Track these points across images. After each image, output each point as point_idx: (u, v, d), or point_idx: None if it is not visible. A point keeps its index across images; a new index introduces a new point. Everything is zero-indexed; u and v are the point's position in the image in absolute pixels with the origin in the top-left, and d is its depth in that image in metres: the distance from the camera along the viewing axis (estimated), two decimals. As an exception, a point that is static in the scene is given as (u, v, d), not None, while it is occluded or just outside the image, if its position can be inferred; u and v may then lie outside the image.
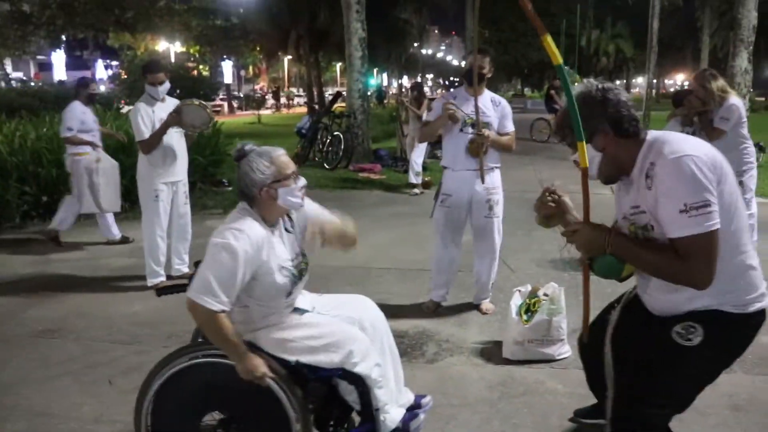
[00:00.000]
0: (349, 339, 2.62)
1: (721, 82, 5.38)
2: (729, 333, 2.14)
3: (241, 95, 44.73)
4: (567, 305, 3.87)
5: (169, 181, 5.28)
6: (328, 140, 12.21)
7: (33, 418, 3.37)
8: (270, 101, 42.26)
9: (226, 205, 8.84)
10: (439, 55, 77.52)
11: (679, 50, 45.42)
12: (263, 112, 33.96)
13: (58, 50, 29.02)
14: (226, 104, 40.53)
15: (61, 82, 27.45)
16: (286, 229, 2.69)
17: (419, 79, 36.76)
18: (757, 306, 2.11)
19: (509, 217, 7.83)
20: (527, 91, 61.73)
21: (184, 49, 33.74)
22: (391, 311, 4.75)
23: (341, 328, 2.69)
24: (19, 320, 4.80)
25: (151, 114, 5.14)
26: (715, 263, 1.97)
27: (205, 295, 2.35)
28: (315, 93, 31.69)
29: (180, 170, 5.42)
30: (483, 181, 4.43)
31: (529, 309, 3.79)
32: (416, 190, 9.79)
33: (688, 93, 5.91)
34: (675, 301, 2.14)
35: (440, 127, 4.52)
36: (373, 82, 41.39)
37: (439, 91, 36.89)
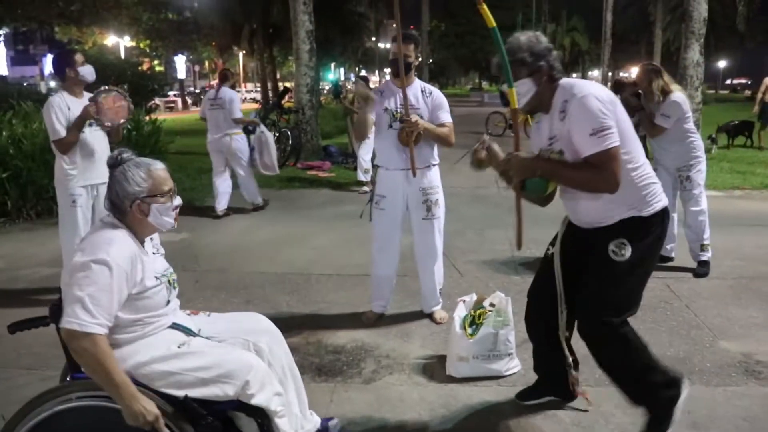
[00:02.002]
0: (243, 367, 2.34)
1: (663, 81, 5.18)
2: (648, 233, 2.66)
3: (197, 91, 43.83)
4: (514, 313, 3.56)
5: (89, 185, 4.79)
6: (276, 137, 11.73)
7: None
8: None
9: (166, 207, 8.35)
10: (397, 49, 77.13)
11: (634, 44, 45.89)
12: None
13: (-2, 44, 27.77)
14: (180, 100, 39.71)
15: (2, 77, 26.30)
16: (157, 254, 2.54)
17: (367, 74, 36.39)
18: (660, 205, 2.68)
19: (460, 215, 7.61)
20: (485, 84, 61.76)
21: (134, 44, 32.84)
22: (329, 323, 4.43)
23: (234, 355, 2.41)
24: None
25: (66, 111, 4.67)
26: (619, 171, 2.51)
27: (79, 318, 2.11)
28: (269, 88, 31.07)
29: (101, 172, 4.89)
30: (414, 175, 4.09)
31: (473, 321, 3.47)
32: (365, 188, 9.39)
33: (630, 86, 5.74)
34: (601, 209, 2.67)
35: (367, 119, 4.16)
36: (331, 77, 40.91)
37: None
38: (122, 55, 27.62)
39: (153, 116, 14.28)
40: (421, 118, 4.05)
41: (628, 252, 2.62)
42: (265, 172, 8.71)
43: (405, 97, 3.99)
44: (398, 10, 4.02)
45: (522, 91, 2.68)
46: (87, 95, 4.81)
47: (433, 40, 39.92)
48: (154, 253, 2.49)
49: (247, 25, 28.45)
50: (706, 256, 5.34)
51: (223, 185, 8.16)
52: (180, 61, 39.37)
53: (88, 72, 4.73)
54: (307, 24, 10.83)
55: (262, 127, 8.58)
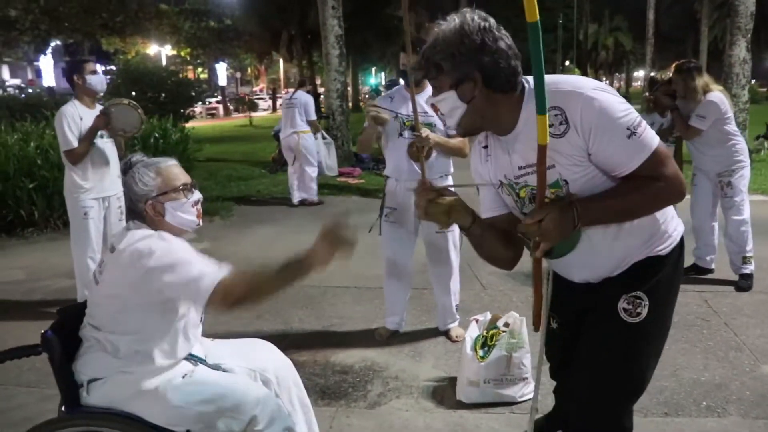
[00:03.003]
0: (251, 401, 2.13)
1: (704, 80, 4.82)
2: (667, 276, 1.97)
3: (238, 97, 44.23)
4: (533, 341, 3.29)
5: (100, 197, 4.68)
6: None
7: None
8: (267, 103, 41.76)
9: (192, 215, 8.27)
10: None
11: (680, 42, 44.75)
12: (259, 114, 33.55)
13: (43, 55, 28.45)
14: (221, 106, 40.12)
15: (49, 88, 26.89)
16: None
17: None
18: (678, 233, 2.00)
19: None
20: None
21: (175, 52, 33.31)
22: (339, 340, 4.21)
23: (241, 387, 2.20)
24: None
25: (78, 121, 4.57)
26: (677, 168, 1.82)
27: (207, 279, 2.05)
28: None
29: (112, 183, 4.78)
30: None
31: (485, 343, 3.22)
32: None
33: (664, 84, 5.38)
34: (621, 251, 1.92)
35: (372, 135, 3.95)
36: (372, 81, 40.85)
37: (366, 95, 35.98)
38: (164, 64, 27.99)
39: (188, 124, 14.42)
40: (435, 127, 3.81)
41: (645, 310, 1.92)
42: (327, 173, 9.89)
43: (415, 111, 3.74)
44: (407, 15, 3.77)
45: (445, 108, 1.84)
46: (99, 107, 4.71)
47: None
48: None
49: (285, 32, 28.58)
50: (748, 269, 4.96)
51: (292, 178, 9.10)
52: (221, 68, 39.76)
53: (96, 81, 4.62)
54: (336, 29, 10.68)
55: (324, 133, 9.79)
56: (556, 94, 1.74)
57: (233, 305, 2.06)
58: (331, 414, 3.23)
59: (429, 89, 3.88)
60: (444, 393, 3.39)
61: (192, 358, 2.29)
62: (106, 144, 4.72)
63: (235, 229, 7.77)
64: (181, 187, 2.22)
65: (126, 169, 2.26)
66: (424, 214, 1.99)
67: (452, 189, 2.05)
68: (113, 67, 23.33)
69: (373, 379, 3.61)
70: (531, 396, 3.20)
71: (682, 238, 2.02)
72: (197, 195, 2.28)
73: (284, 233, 7.44)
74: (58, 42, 28.75)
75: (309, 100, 9.20)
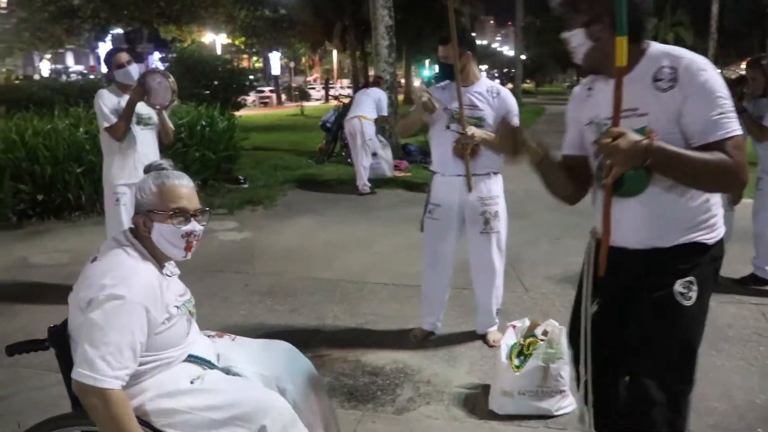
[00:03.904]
0: (262, 409, 2.01)
1: None
2: (711, 268, 2.05)
3: (292, 87, 44.50)
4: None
5: (132, 183, 4.66)
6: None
7: None
8: (319, 93, 41.91)
9: (235, 205, 8.29)
10: (494, 46, 76.16)
11: (744, 39, 43.09)
12: (311, 104, 33.65)
13: (102, 43, 29.00)
14: (274, 96, 40.41)
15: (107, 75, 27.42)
16: (168, 274, 2.18)
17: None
18: (721, 233, 2.06)
19: (536, 222, 7.09)
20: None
21: (230, 41, 33.61)
22: (373, 339, 4.07)
23: (252, 394, 2.07)
24: (-39, 338, 4.30)
25: (114, 101, 4.57)
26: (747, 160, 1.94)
27: (95, 370, 1.82)
28: (361, 85, 31.08)
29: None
30: (470, 189, 3.70)
31: (522, 351, 3.04)
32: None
33: (734, 83, 5.06)
34: (658, 221, 1.99)
35: (417, 121, 3.80)
36: (426, 73, 40.59)
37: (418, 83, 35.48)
38: (219, 52, 28.26)
39: (240, 112, 14.48)
40: (484, 122, 3.65)
41: (695, 295, 1.97)
42: (388, 174, 10.00)
43: (461, 105, 3.59)
44: (452, 6, 3.62)
45: (573, 43, 2.03)
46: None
47: (529, 37, 38.80)
48: (168, 275, 2.16)
49: (339, 22, 28.53)
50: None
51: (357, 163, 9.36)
52: (275, 58, 39.99)
53: (121, 74, 4.59)
54: (386, 19, 10.53)
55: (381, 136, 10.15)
56: (677, 58, 1.94)
57: (84, 405, 1.86)
58: (356, 418, 3.10)
59: (482, 81, 3.75)
60: (476, 402, 3.23)
61: (198, 360, 2.14)
62: (143, 132, 4.70)
63: (277, 219, 7.72)
64: (172, 212, 2.02)
65: (145, 172, 2.17)
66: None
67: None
68: (171, 55, 23.66)
69: (404, 382, 3.47)
70: (568, 410, 3.04)
71: (722, 239, 2.07)
72: (191, 227, 2.05)
73: (326, 224, 7.36)
74: (120, 30, 29.38)
75: (383, 96, 9.80)
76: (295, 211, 8.15)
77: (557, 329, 3.06)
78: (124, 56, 4.60)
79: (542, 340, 3.04)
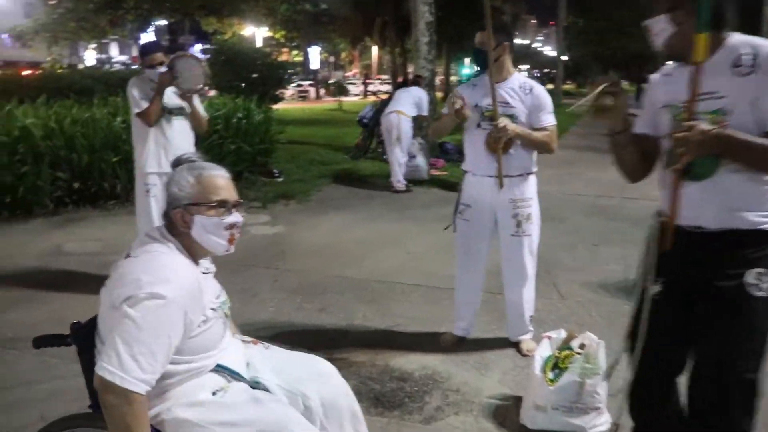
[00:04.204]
0: (281, 429, 1.89)
1: None
2: None
3: (330, 81, 44.54)
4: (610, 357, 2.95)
5: (163, 172, 4.62)
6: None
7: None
8: (358, 88, 41.87)
9: (269, 198, 8.26)
10: (535, 45, 75.41)
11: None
12: (349, 99, 33.62)
13: (144, 34, 29.34)
14: (313, 90, 40.50)
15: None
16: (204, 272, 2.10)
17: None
18: None
19: (573, 227, 6.90)
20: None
21: (270, 34, 33.72)
22: (402, 342, 3.96)
23: (273, 414, 1.93)
24: (-7, 323, 4.32)
25: (147, 88, 4.54)
26: None
27: (123, 368, 1.72)
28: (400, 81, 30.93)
29: (178, 161, 4.75)
30: (501, 186, 3.57)
31: (557, 365, 2.91)
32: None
33: None
34: (732, 199, 2.01)
35: (450, 124, 3.68)
36: (466, 71, 40.26)
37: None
38: (259, 45, 28.36)
39: (278, 106, 14.46)
40: (516, 119, 3.51)
41: (766, 285, 1.97)
42: (425, 177, 9.79)
43: (494, 96, 3.46)
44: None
45: (656, 29, 2.09)
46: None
47: (571, 37, 38.10)
48: (204, 273, 2.07)
49: (379, 17, 28.40)
50: None
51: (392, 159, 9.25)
52: (314, 52, 40.07)
53: (153, 74, 4.55)
54: (426, 15, 10.38)
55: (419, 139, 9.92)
56: (758, 46, 1.99)
57: (101, 401, 1.76)
58: (382, 425, 3.01)
59: (515, 77, 3.61)
60: (507, 414, 3.11)
61: (225, 370, 2.02)
62: (175, 122, 4.67)
63: (310, 214, 7.66)
64: (215, 203, 1.96)
65: (174, 165, 2.08)
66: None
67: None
68: (211, 47, 23.82)
69: (433, 389, 3.36)
70: (603, 428, 2.89)
71: None
72: (234, 218, 1.99)
73: (359, 221, 7.27)
74: (162, 21, 29.72)
75: (424, 95, 9.74)
76: (329, 206, 8.09)
77: (595, 343, 2.92)
78: (159, 57, 4.56)
79: (579, 353, 2.90)
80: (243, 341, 2.24)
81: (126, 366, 1.72)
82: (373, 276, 5.24)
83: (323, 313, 4.47)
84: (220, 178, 2.00)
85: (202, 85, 4.58)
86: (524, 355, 3.72)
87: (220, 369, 2.01)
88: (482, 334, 4.02)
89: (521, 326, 3.83)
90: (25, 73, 14.36)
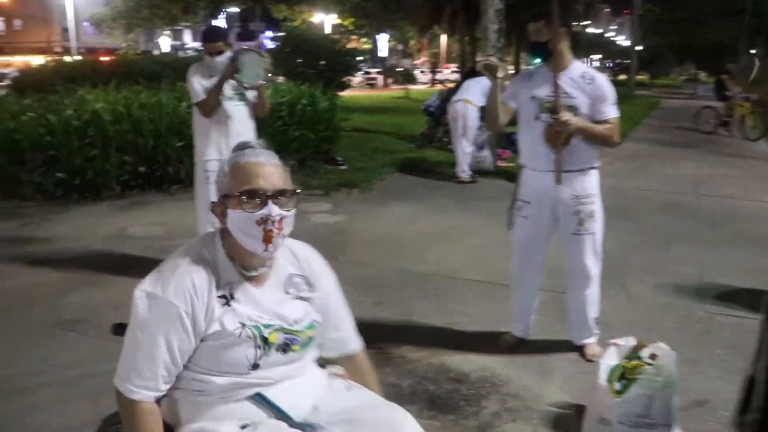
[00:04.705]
0: None
1: None
2: None
3: (395, 68, 44.41)
4: (693, 361, 2.74)
5: (223, 159, 4.58)
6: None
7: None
8: (426, 76, 41.60)
9: (332, 186, 8.21)
10: (608, 35, 73.37)
11: None
12: (417, 87, 33.42)
13: (215, 21, 29.86)
14: (381, 77, 40.44)
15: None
16: (289, 294, 1.81)
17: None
18: None
19: (644, 225, 6.58)
20: (703, 75, 56.29)
21: (339, 21, 33.80)
22: (460, 342, 3.79)
23: None
24: (52, 304, 4.40)
25: (207, 76, 4.51)
26: None
27: (127, 378, 1.64)
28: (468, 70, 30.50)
29: (238, 148, 4.72)
30: (559, 181, 3.36)
31: (624, 375, 2.71)
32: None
33: None
34: None
35: (496, 104, 3.45)
36: (537, 60, 39.53)
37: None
38: (328, 32, 28.43)
39: (345, 93, 14.44)
40: (577, 111, 3.30)
41: None
42: (491, 169, 9.52)
43: (556, 88, 3.26)
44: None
45: None
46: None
47: (645, 26, 36.79)
48: (288, 293, 1.80)
49: (449, 5, 28.01)
50: None
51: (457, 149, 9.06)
52: (383, 40, 39.97)
53: (214, 61, 4.52)
54: (496, 2, 10.08)
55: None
56: None
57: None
58: (435, 430, 2.87)
59: (575, 66, 3.39)
60: (569, 424, 2.93)
61: (264, 402, 1.71)
62: (235, 108, 4.63)
63: (372, 204, 7.56)
64: (239, 194, 1.67)
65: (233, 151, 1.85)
66: None
67: None
68: (281, 33, 23.99)
69: (490, 393, 3.21)
70: (675, 445, 2.68)
71: None
72: (267, 210, 1.66)
73: (422, 212, 7.13)
74: (235, 8, 30.17)
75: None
76: (391, 196, 7.97)
77: (668, 355, 2.70)
78: (219, 45, 4.56)
79: (649, 364, 2.70)
80: (332, 373, 1.93)
81: (126, 376, 1.64)
82: (433, 270, 5.10)
83: (380, 307, 4.36)
84: (256, 165, 1.70)
85: (263, 81, 4.54)
86: (588, 360, 3.51)
87: (260, 400, 1.72)
88: (545, 336, 3.83)
89: (585, 329, 3.63)
90: (102, 59, 14.76)
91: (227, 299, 1.69)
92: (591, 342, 3.63)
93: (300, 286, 1.83)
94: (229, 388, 1.69)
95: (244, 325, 1.68)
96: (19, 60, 33.01)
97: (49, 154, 7.27)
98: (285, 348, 1.73)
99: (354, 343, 2.01)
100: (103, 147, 7.37)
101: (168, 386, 1.68)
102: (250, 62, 4.37)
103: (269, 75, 4.53)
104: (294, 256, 1.87)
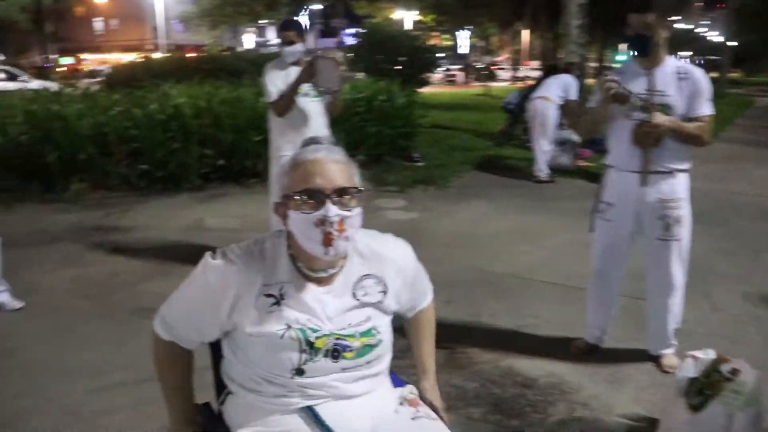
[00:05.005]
0: None
1: None
2: None
3: (472, 65, 44.03)
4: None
5: None
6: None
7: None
8: (507, 73, 41.10)
9: (407, 182, 8.19)
10: (699, 30, 70.43)
11: None
12: (498, 84, 33.02)
13: (297, 18, 30.43)
14: (462, 74, 40.21)
15: (308, 50, 28.69)
16: (357, 298, 1.67)
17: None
18: None
19: (734, 230, 6.24)
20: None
21: (420, 18, 33.78)
22: (530, 345, 3.69)
23: None
24: (133, 292, 4.55)
25: (282, 76, 4.55)
26: None
27: (160, 314, 1.74)
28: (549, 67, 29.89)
29: (311, 144, 4.74)
30: (644, 183, 3.20)
31: (702, 391, 2.56)
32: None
33: None
34: None
35: (604, 116, 3.30)
36: (621, 58, 38.33)
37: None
38: (409, 29, 28.44)
39: (424, 89, 14.39)
40: (671, 110, 3.13)
41: None
42: (570, 167, 9.31)
43: (651, 86, 3.11)
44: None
45: None
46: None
47: (741, 21, 35.03)
48: (356, 297, 1.67)
49: (531, 1, 27.53)
50: None
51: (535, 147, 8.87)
52: (463, 36, 39.65)
53: (286, 51, 4.56)
54: (579, -3, 9.86)
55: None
56: None
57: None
58: (498, 435, 2.79)
59: (669, 62, 3.22)
60: (641, 438, 2.79)
61: (313, 417, 1.60)
62: (310, 104, 4.65)
63: (448, 201, 7.49)
64: (295, 194, 1.55)
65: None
66: None
67: None
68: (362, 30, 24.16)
69: (558, 401, 3.09)
70: (756, 467, 2.51)
71: None
72: (324, 211, 1.53)
73: (498, 211, 7.00)
74: (318, 5, 30.63)
75: (574, 82, 9.23)
76: (468, 194, 7.87)
77: (750, 374, 2.53)
78: (290, 35, 4.59)
79: (730, 379, 2.53)
80: (406, 398, 1.79)
81: (162, 308, 1.73)
82: (507, 270, 4.99)
83: (449, 306, 4.29)
84: (314, 163, 1.58)
85: (338, 88, 4.60)
86: (664, 372, 3.34)
87: (310, 416, 1.61)
88: (618, 344, 3.67)
89: (663, 339, 3.45)
90: (189, 55, 15.25)
91: (277, 299, 1.61)
92: (668, 353, 3.45)
93: (371, 288, 1.69)
94: (275, 394, 1.61)
95: (289, 327, 1.58)
96: (114, 58, 34.58)
97: (134, 146, 7.55)
98: (335, 354, 1.60)
99: (426, 299, 1.99)
100: (184, 140, 7.59)
101: (176, 334, 1.71)
102: (325, 68, 4.40)
103: (345, 79, 4.56)
104: (369, 255, 1.72)
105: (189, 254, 5.29)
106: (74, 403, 3.10)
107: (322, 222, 1.53)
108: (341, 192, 1.55)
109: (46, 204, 7.09)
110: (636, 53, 3.25)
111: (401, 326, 1.95)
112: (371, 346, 1.65)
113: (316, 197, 1.54)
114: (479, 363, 3.48)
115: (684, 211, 3.27)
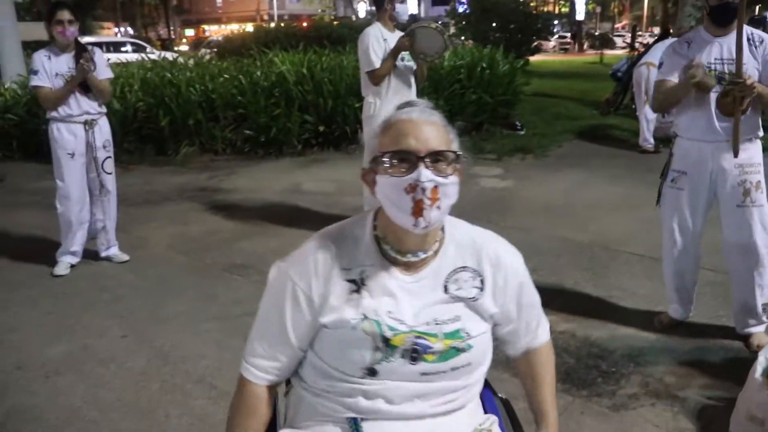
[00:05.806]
0: None
1: None
2: None
3: (595, 33, 42.38)
4: None
5: None
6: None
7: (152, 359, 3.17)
8: (626, 41, 39.32)
9: (506, 150, 8.10)
10: None
11: None
12: (614, 52, 31.69)
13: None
14: (576, 42, 38.82)
15: (412, 16, 28.52)
16: (448, 292, 1.43)
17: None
18: None
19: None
20: None
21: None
22: (611, 317, 3.62)
23: None
24: (226, 250, 4.79)
25: (382, 42, 4.62)
26: None
27: (246, 352, 1.50)
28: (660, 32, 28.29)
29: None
30: (736, 155, 3.02)
31: (783, 370, 2.43)
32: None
33: None
34: None
35: (683, 95, 3.13)
36: (691, 24, 35.93)
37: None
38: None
39: (536, 57, 14.03)
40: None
41: None
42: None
43: (739, 49, 2.92)
44: None
45: None
46: (398, 33, 4.70)
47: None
48: (447, 291, 1.42)
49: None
50: None
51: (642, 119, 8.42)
52: (580, 2, 38.09)
53: (401, 10, 4.59)
54: (700, -43, 9.23)
55: None
56: None
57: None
58: (565, 404, 2.76)
59: (735, 31, 3.00)
60: (714, 417, 2.67)
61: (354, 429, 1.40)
62: (404, 71, 4.71)
63: (544, 170, 7.35)
64: (383, 154, 1.35)
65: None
66: None
67: None
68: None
69: (632, 374, 3.02)
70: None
71: None
72: (416, 174, 1.32)
73: (595, 181, 6.80)
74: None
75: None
76: (566, 163, 7.68)
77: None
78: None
79: (814, 360, 2.39)
80: (479, 429, 1.45)
81: (247, 348, 1.49)
82: (596, 241, 4.87)
83: (534, 273, 4.09)
84: (407, 123, 1.37)
85: (437, 56, 4.70)
86: (753, 351, 3.17)
87: (353, 426, 1.40)
88: (706, 319, 3.52)
89: (751, 316, 3.27)
90: (303, 25, 15.59)
91: (358, 285, 1.40)
92: (758, 331, 3.27)
93: (466, 283, 1.44)
94: (332, 392, 1.42)
95: (365, 317, 1.37)
96: (232, 28, 35.77)
97: (239, 112, 7.85)
98: (414, 356, 1.37)
99: (539, 338, 1.62)
100: (286, 107, 7.83)
101: (285, 374, 1.49)
102: (426, 38, 4.47)
103: (447, 50, 4.62)
104: (468, 245, 1.49)
105: (284, 215, 5.55)
106: (164, 347, 3.34)
107: (414, 188, 1.32)
108: (436, 156, 1.35)
109: (158, 166, 7.54)
110: (718, 23, 3.08)
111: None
112: (457, 350, 1.39)
113: (409, 160, 1.33)
114: (555, 332, 3.43)
115: (761, 177, 3.14)
